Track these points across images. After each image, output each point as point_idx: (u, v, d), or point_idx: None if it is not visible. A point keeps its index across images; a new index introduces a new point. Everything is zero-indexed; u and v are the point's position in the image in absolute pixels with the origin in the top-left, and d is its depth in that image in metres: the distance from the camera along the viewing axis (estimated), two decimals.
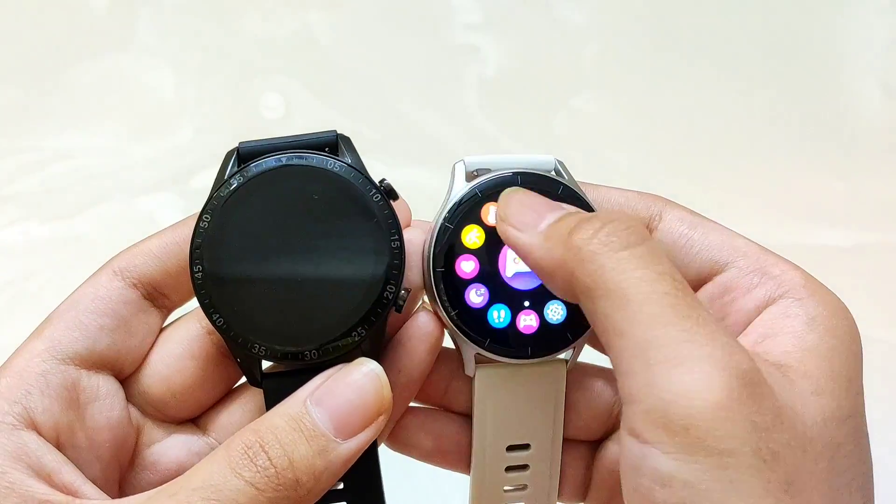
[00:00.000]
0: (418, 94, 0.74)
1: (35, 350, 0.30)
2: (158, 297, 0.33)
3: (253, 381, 0.32)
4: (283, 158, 0.31)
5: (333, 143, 0.32)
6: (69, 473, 0.29)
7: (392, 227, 0.31)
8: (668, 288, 0.26)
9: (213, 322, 0.30)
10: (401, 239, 0.31)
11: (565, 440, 0.35)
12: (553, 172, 0.34)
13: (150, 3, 0.76)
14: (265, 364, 0.32)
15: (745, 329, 0.32)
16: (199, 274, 0.30)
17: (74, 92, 0.74)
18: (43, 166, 0.71)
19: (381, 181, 0.31)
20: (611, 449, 0.35)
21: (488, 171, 0.33)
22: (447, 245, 0.33)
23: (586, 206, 0.33)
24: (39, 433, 0.29)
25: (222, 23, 0.76)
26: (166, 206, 0.69)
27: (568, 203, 0.32)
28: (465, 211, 0.33)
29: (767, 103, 0.73)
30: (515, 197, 0.30)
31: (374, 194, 0.31)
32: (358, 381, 0.29)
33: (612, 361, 0.27)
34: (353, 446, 0.28)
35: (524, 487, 0.35)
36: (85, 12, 0.76)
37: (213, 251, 0.30)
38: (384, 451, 0.36)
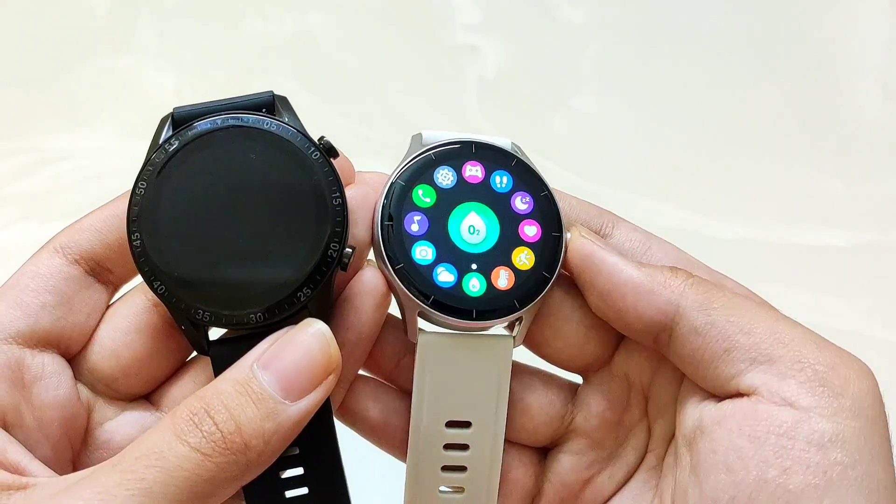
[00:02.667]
0: (418, 95, 0.74)
1: None
2: (102, 273, 0.32)
3: (200, 350, 0.31)
4: (219, 120, 0.30)
5: (270, 104, 0.31)
6: (15, 453, 0.28)
7: (333, 185, 0.30)
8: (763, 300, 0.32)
9: (154, 290, 0.29)
10: (342, 196, 0.30)
11: (513, 443, 0.35)
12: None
13: (150, 3, 0.76)
14: (214, 333, 0.31)
15: None
16: (138, 242, 0.29)
17: (75, 92, 0.74)
18: (43, 167, 0.71)
19: (321, 139, 0.31)
20: (563, 462, 0.34)
21: None
22: (397, 201, 0.32)
23: (540, 182, 0.33)
24: None
25: (222, 23, 0.76)
26: None
27: (522, 178, 0.33)
28: (418, 170, 0.33)
29: (767, 103, 0.73)
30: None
31: (312, 152, 0.30)
32: (304, 342, 0.29)
33: (731, 360, 0.30)
34: (302, 407, 0.28)
35: (463, 469, 0.34)
36: (85, 13, 0.76)
37: (150, 219, 0.29)
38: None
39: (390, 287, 0.32)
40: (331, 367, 0.29)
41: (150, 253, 0.29)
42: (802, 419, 0.28)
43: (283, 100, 0.32)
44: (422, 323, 0.33)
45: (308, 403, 0.28)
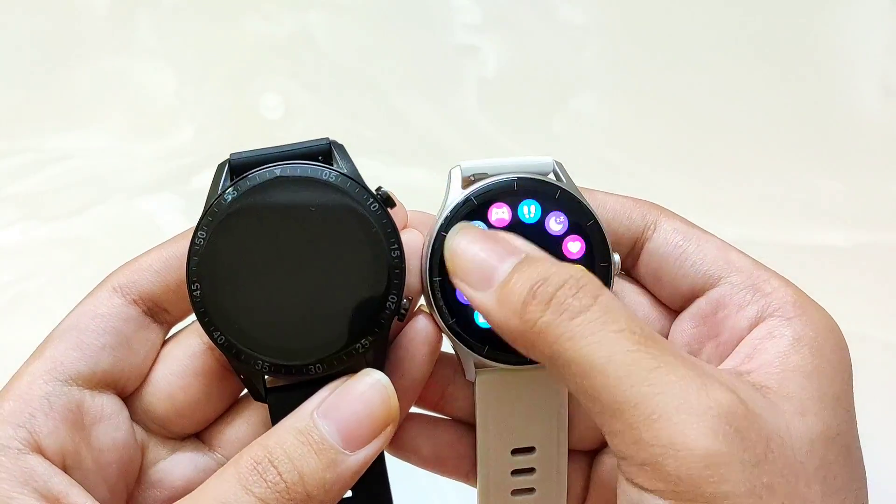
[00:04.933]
0: (417, 95, 0.74)
1: (37, 372, 0.30)
2: (159, 313, 0.32)
3: (257, 397, 0.31)
4: (277, 170, 0.30)
5: (327, 152, 0.32)
6: (77, 496, 0.28)
7: (391, 237, 0.30)
8: (628, 345, 0.27)
9: (213, 340, 0.30)
10: (400, 248, 0.30)
11: None
12: (551, 174, 0.34)
13: (149, 3, 0.76)
14: (269, 378, 0.32)
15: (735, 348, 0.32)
16: (198, 293, 0.30)
17: (75, 92, 0.74)
18: (43, 167, 0.71)
19: (378, 189, 0.31)
20: (606, 462, 0.35)
21: (485, 174, 0.33)
22: (443, 253, 0.32)
23: (584, 210, 0.33)
24: (45, 456, 0.29)
25: (222, 23, 0.76)
26: (166, 206, 0.69)
27: (565, 207, 0.32)
28: (461, 219, 0.32)
29: (767, 103, 0.73)
30: (460, 248, 0.30)
31: (371, 203, 0.30)
32: (365, 393, 0.29)
33: (594, 418, 0.28)
34: (362, 458, 0.28)
35: (532, 490, 0.35)
36: (85, 13, 0.76)
37: (209, 269, 0.30)
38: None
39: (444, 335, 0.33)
40: (390, 418, 0.29)
41: (209, 304, 0.30)
42: (646, 500, 0.26)
43: (340, 147, 0.32)
44: None
45: (367, 453, 0.29)
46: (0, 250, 0.67)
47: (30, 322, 0.64)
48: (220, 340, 0.30)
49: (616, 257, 0.33)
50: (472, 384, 0.34)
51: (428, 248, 0.32)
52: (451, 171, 0.33)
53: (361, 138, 0.72)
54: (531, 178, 0.33)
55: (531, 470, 0.35)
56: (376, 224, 0.30)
